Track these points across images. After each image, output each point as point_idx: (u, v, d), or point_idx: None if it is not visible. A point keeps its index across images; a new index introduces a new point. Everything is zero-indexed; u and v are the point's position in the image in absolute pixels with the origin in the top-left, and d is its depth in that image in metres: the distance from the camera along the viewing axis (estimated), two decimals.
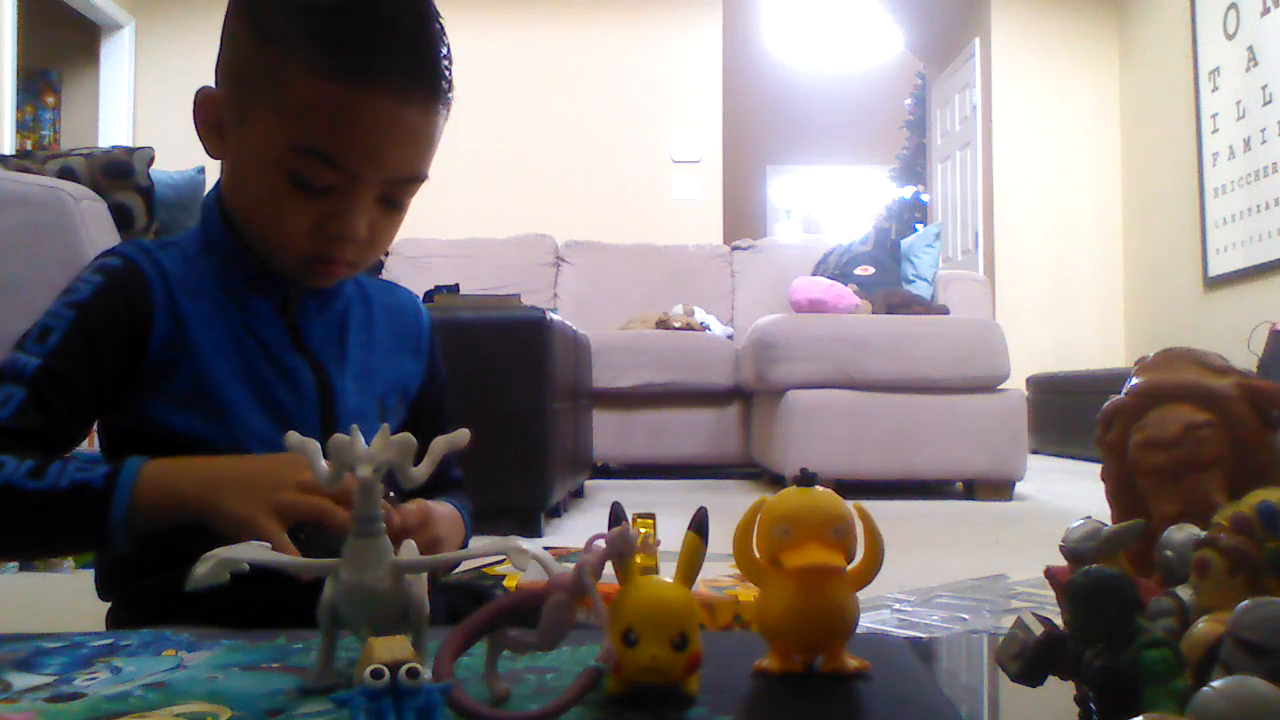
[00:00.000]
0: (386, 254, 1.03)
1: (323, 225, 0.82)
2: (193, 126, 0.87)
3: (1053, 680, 0.52)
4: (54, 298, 0.86)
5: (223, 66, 0.85)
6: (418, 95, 0.80)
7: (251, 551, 0.57)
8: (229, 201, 0.88)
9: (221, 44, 0.85)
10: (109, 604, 0.89)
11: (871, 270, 4.30)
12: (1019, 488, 3.65)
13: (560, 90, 6.42)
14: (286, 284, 0.89)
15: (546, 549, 0.58)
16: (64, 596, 1.79)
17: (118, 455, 0.89)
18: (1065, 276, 6.36)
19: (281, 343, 0.89)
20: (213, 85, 0.86)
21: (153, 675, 0.57)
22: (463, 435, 0.55)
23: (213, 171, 2.61)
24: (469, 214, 5.88)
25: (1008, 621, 1.46)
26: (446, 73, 0.83)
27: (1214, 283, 5.34)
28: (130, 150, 2.46)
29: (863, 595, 0.58)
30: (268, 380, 0.87)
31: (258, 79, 0.81)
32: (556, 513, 2.97)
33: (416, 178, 0.85)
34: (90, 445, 0.94)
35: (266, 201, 0.83)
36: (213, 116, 0.86)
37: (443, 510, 0.84)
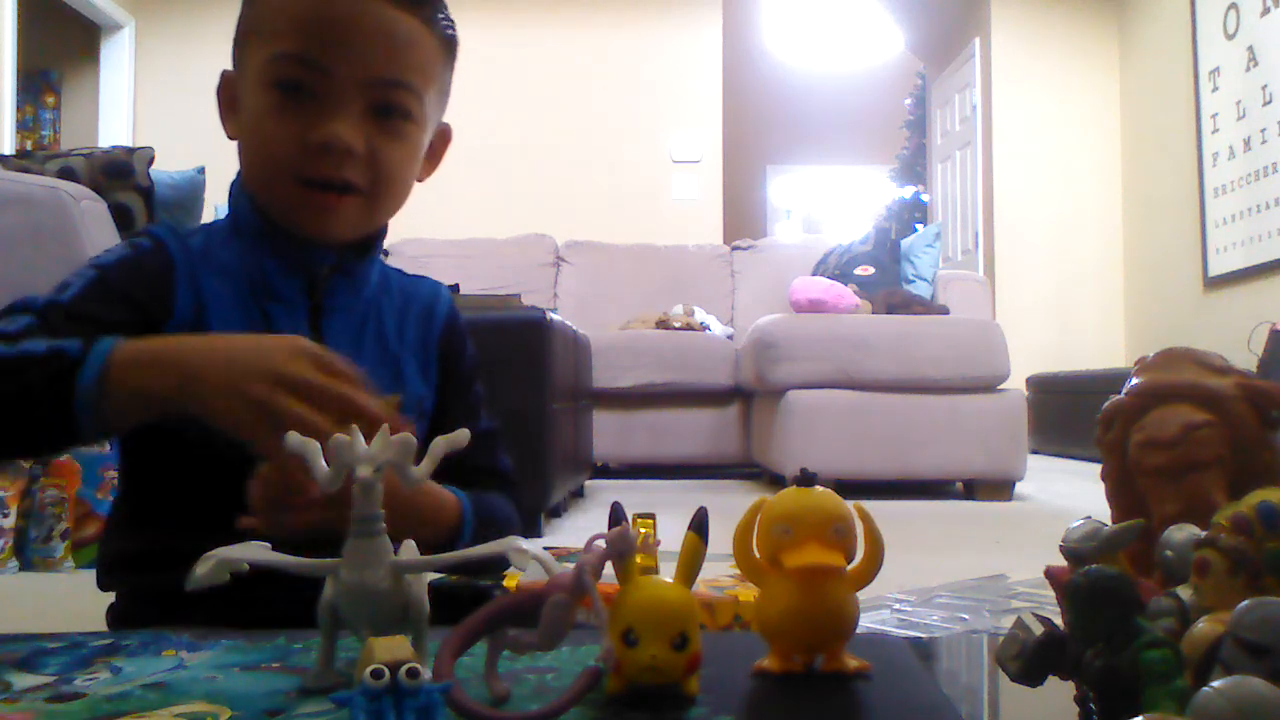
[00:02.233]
0: (386, 253, 1.01)
1: (308, 135, 0.81)
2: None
3: (1053, 680, 0.52)
4: None
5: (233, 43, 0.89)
6: None
7: (251, 551, 0.57)
8: (244, 174, 0.89)
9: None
10: (111, 594, 0.89)
11: (871, 270, 4.30)
12: (1019, 488, 3.65)
13: (560, 90, 6.42)
14: (316, 263, 0.89)
15: (546, 549, 0.58)
16: (64, 596, 1.79)
17: (133, 448, 0.88)
18: (1065, 276, 6.36)
19: (299, 332, 0.88)
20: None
21: (153, 675, 0.57)
22: (463, 435, 0.55)
23: (213, 172, 2.61)
24: (469, 214, 5.88)
25: (1008, 621, 1.46)
26: None
27: (1214, 283, 5.34)
28: (130, 150, 2.46)
29: (863, 595, 0.58)
30: None
31: (246, 26, 0.86)
32: (556, 513, 2.97)
33: (402, 83, 0.84)
34: None
35: (259, 127, 0.84)
36: (228, 94, 0.89)
37: (436, 492, 0.83)
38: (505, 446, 1.02)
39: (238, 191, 0.90)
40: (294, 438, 0.55)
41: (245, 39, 0.87)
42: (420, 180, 0.94)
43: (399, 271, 1.02)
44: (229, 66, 0.90)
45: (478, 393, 1.03)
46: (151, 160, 2.46)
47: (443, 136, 0.97)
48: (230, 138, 0.89)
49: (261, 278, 0.88)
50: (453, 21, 0.90)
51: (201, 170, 2.77)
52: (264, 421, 0.65)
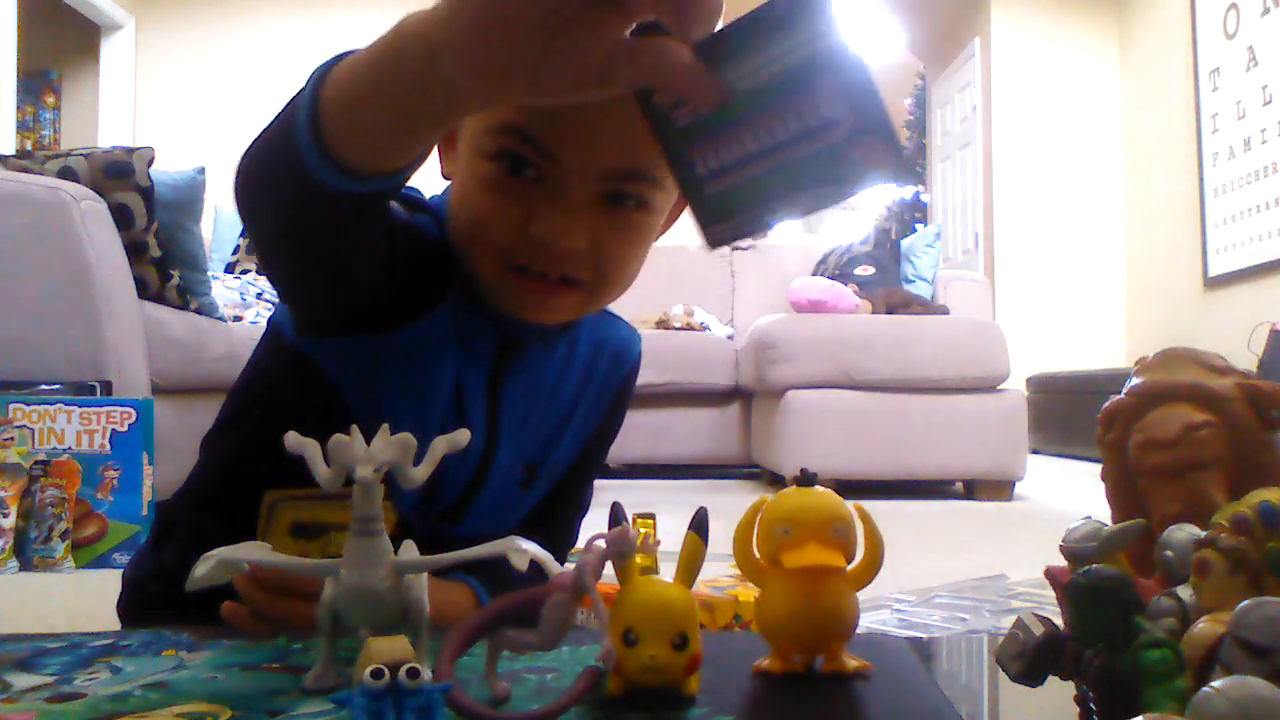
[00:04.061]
0: None
1: (528, 226, 0.70)
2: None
3: (1053, 680, 0.52)
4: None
5: None
6: None
7: (251, 552, 0.57)
8: (450, 219, 0.78)
9: None
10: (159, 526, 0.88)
11: (871, 270, 4.30)
12: (1019, 488, 3.65)
13: None
14: (512, 327, 0.80)
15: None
16: (64, 596, 1.79)
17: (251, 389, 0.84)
18: (1065, 276, 6.36)
19: (476, 391, 0.82)
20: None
21: (153, 675, 0.57)
22: (463, 435, 0.55)
23: (213, 172, 2.61)
24: None
25: (1008, 621, 1.45)
26: None
27: (1214, 283, 5.34)
28: (130, 150, 2.46)
29: (863, 595, 0.58)
30: (446, 417, 0.80)
31: None
32: None
33: (638, 173, 0.70)
34: None
35: (471, 198, 0.73)
36: (450, 133, 0.77)
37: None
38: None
39: (443, 210, 0.80)
40: (293, 437, 0.55)
41: None
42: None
43: (608, 316, 0.93)
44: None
45: (600, 460, 0.97)
46: (151, 160, 2.46)
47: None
48: (444, 177, 0.79)
49: (460, 316, 0.80)
50: None
51: (201, 170, 2.77)
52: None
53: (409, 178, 0.61)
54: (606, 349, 0.91)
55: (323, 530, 0.68)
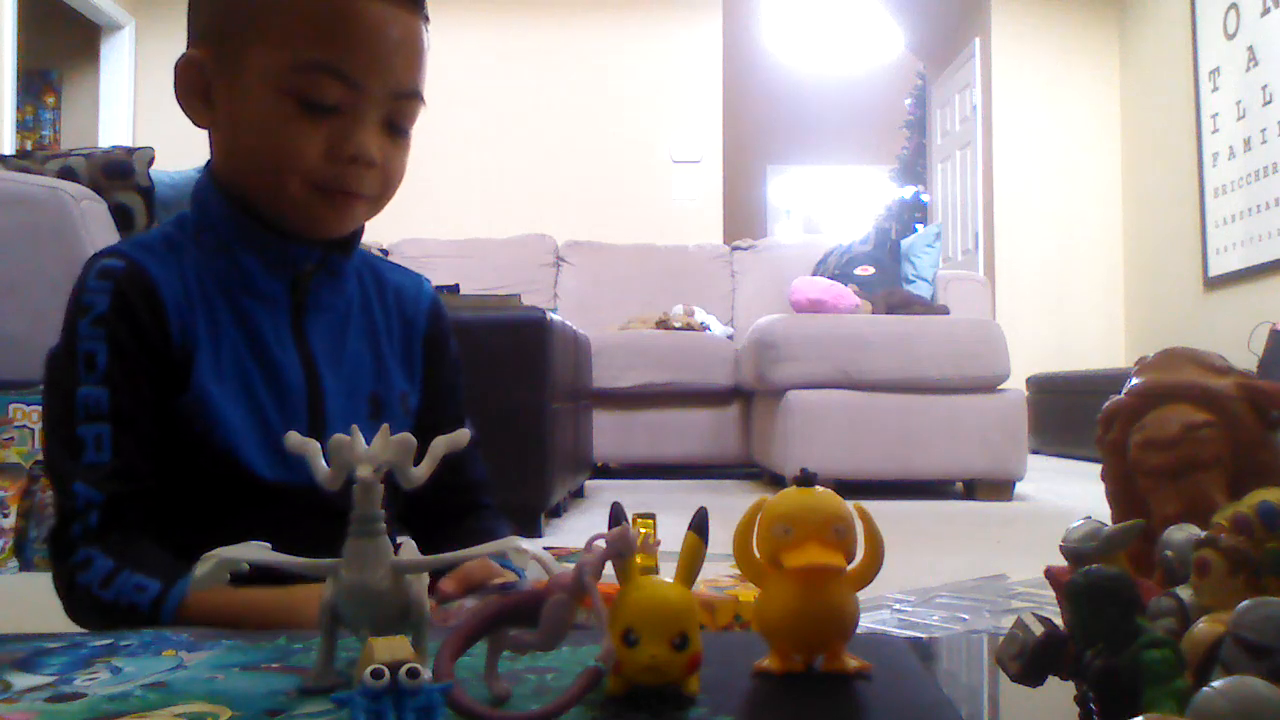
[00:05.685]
0: (386, 252, 1.01)
1: (336, 148, 0.81)
2: (188, 123, 0.87)
3: (1053, 680, 0.52)
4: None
5: (199, 29, 0.86)
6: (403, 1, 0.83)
7: (252, 552, 0.57)
8: (225, 167, 0.87)
9: (191, 10, 0.86)
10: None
11: (871, 270, 4.30)
12: (1019, 488, 3.65)
13: (560, 90, 6.42)
14: (300, 260, 0.87)
15: (546, 549, 0.58)
16: None
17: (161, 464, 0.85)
18: (1065, 276, 6.36)
19: (279, 334, 0.87)
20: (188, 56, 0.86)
21: (153, 675, 0.57)
22: (463, 435, 0.55)
23: None
24: (469, 214, 5.87)
25: (1008, 621, 1.46)
26: None
27: (1214, 283, 5.33)
28: (130, 150, 2.46)
29: (863, 595, 0.58)
30: (251, 374, 0.85)
31: (244, 22, 0.82)
32: (556, 513, 2.97)
33: (415, 94, 0.85)
34: None
35: (275, 133, 0.81)
36: (197, 82, 0.85)
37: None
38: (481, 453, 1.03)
39: (206, 190, 0.88)
40: (294, 437, 0.55)
41: (242, 35, 0.82)
42: None
43: (384, 262, 1.01)
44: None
45: (461, 398, 1.01)
46: (151, 160, 2.46)
47: None
48: (200, 126, 0.86)
49: (240, 276, 0.86)
50: None
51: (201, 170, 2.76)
52: None
53: None
54: (389, 286, 0.98)
55: None
